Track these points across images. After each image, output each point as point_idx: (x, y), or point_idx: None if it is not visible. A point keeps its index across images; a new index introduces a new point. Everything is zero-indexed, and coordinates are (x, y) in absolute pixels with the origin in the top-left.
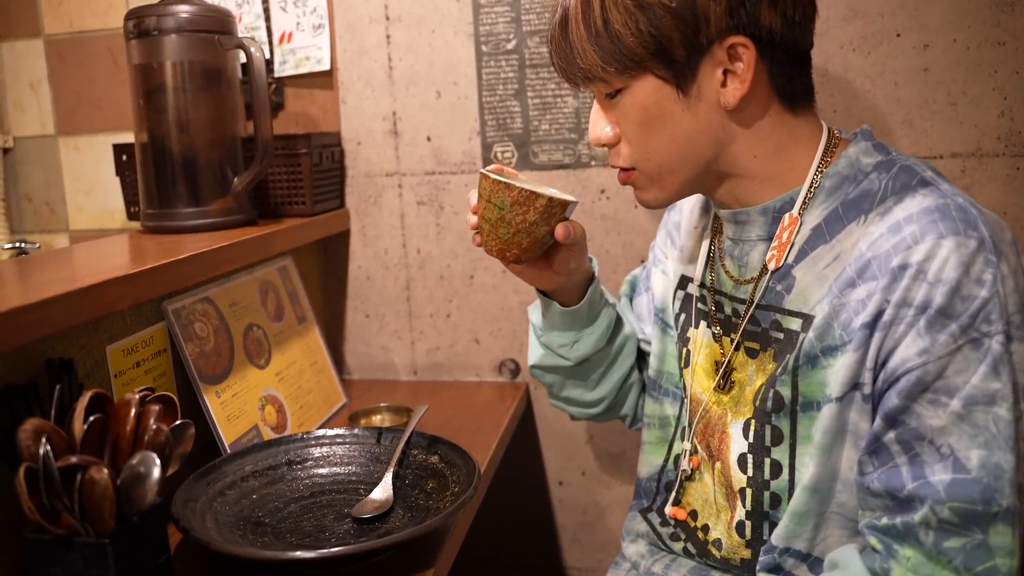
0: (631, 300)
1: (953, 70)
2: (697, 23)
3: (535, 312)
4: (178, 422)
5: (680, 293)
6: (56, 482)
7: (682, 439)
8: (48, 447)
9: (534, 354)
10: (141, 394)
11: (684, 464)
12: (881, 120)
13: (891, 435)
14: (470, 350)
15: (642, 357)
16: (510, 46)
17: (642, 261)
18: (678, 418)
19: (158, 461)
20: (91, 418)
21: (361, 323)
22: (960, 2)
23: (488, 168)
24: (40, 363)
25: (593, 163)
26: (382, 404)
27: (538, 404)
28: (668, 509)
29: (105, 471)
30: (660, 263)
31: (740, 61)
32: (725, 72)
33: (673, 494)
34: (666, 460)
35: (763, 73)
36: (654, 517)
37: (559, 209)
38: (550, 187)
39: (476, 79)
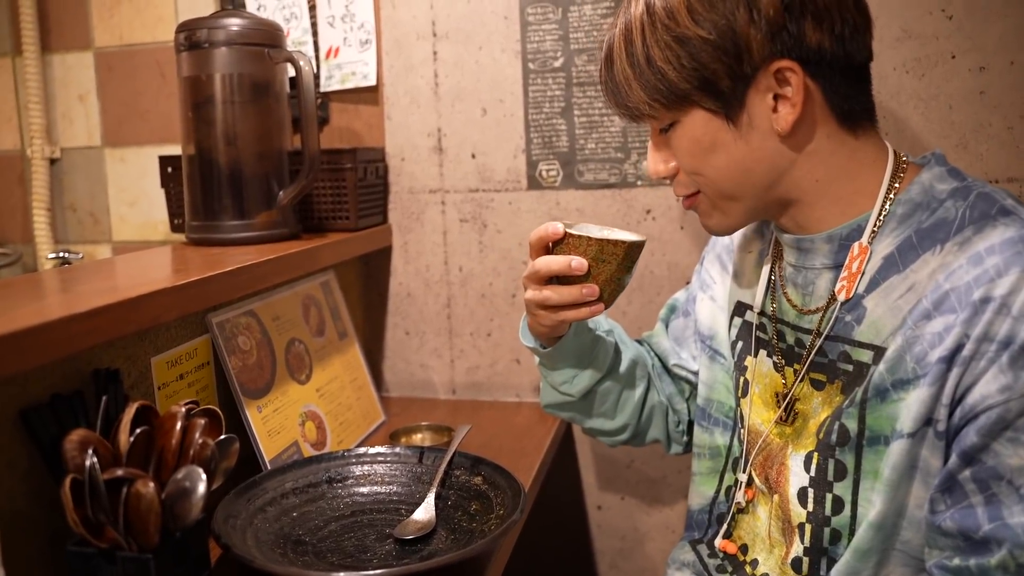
0: (667, 325)
1: (1010, 93)
2: (739, 52)
3: (536, 357)
4: (223, 436)
5: (737, 320)
6: (102, 495)
7: (734, 470)
8: (95, 459)
9: (543, 394)
10: (186, 407)
11: (739, 496)
12: (935, 143)
13: (967, 473)
14: (510, 370)
15: (674, 381)
16: (557, 64)
17: (687, 283)
18: (729, 447)
19: (204, 476)
20: (137, 430)
21: (401, 340)
22: (1018, 24)
23: (564, 227)
24: (86, 373)
25: (639, 183)
26: (423, 423)
27: (578, 427)
28: (718, 542)
29: (152, 485)
30: (708, 288)
31: (789, 85)
32: (776, 97)
33: (724, 527)
34: (717, 491)
35: (816, 94)
36: (703, 548)
37: None
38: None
39: (522, 96)
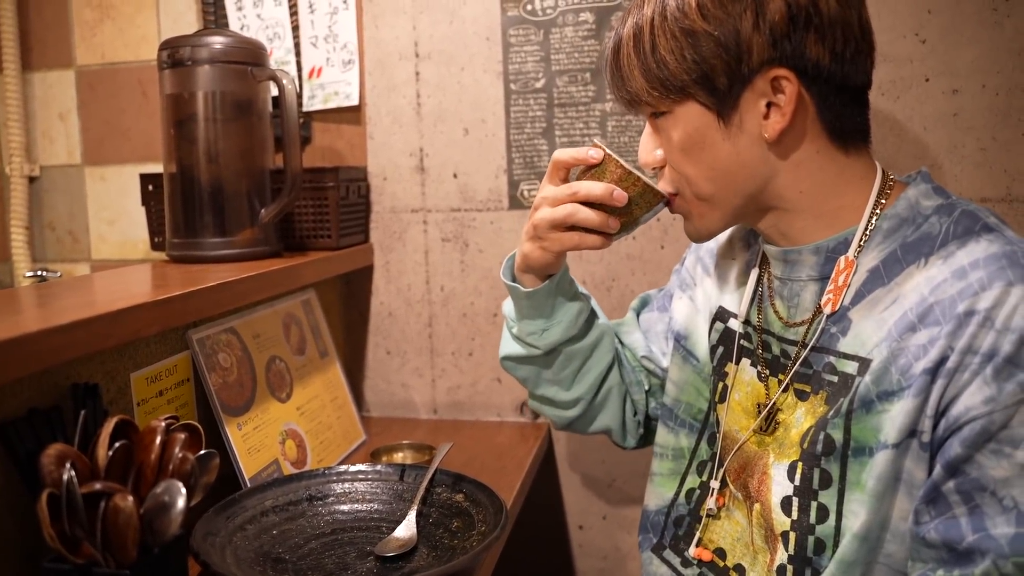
0: (638, 315)
1: (982, 115)
2: (740, 53)
3: (507, 305)
4: (203, 452)
5: (719, 325)
6: (79, 509)
7: (699, 473)
8: (72, 472)
9: (505, 346)
10: (166, 422)
11: (710, 503)
12: (910, 164)
13: (951, 484)
14: (492, 389)
15: (635, 371)
16: (539, 85)
17: None
18: (694, 450)
19: (184, 490)
20: (116, 444)
21: (382, 359)
22: (989, 48)
23: (609, 153)
24: (64, 387)
25: None
26: (404, 441)
27: (559, 446)
28: (691, 551)
29: (130, 499)
30: (688, 288)
31: (783, 93)
32: (769, 104)
33: (697, 534)
34: (677, 493)
35: (809, 107)
36: (671, 556)
37: None
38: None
39: (504, 117)
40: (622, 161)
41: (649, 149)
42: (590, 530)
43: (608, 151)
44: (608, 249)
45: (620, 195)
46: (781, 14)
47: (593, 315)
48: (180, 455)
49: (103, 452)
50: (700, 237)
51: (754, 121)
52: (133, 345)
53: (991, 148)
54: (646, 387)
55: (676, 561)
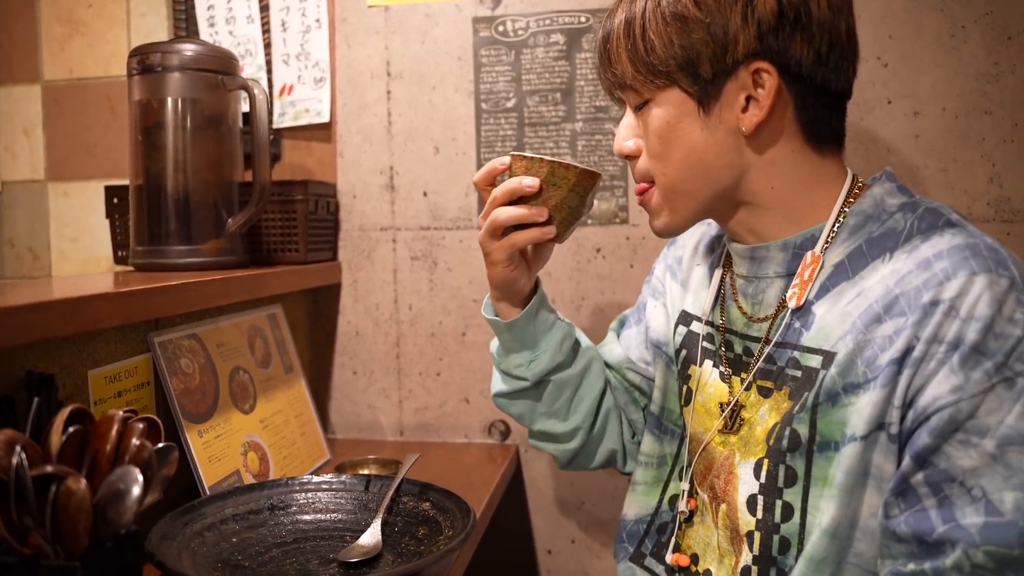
0: (619, 335)
1: (943, 137)
2: (726, 43)
3: (494, 343)
4: (162, 444)
5: (681, 329)
6: (28, 492)
7: (681, 479)
8: (23, 456)
9: (495, 384)
10: (125, 413)
11: (682, 506)
12: None
13: (919, 476)
14: (459, 410)
15: (627, 391)
16: (510, 104)
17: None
18: (676, 457)
19: (140, 477)
20: (70, 429)
21: (348, 380)
22: (948, 73)
23: (523, 155)
24: (18, 377)
25: (589, 222)
26: (370, 456)
27: (528, 468)
28: (669, 557)
29: (83, 482)
30: (660, 296)
31: (763, 87)
32: (748, 98)
33: (673, 540)
34: (660, 500)
35: (788, 105)
36: (653, 564)
37: None
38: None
39: (475, 136)
40: (525, 152)
41: (624, 137)
42: (559, 555)
43: (515, 152)
44: (577, 268)
45: (530, 181)
46: (771, 9)
47: (578, 343)
48: (137, 443)
49: (56, 438)
50: (667, 232)
51: (733, 113)
52: (92, 341)
53: (952, 169)
54: (642, 405)
55: (660, 569)
